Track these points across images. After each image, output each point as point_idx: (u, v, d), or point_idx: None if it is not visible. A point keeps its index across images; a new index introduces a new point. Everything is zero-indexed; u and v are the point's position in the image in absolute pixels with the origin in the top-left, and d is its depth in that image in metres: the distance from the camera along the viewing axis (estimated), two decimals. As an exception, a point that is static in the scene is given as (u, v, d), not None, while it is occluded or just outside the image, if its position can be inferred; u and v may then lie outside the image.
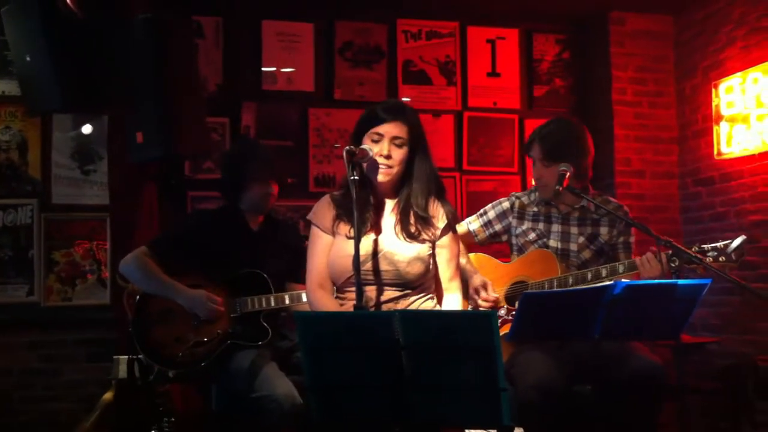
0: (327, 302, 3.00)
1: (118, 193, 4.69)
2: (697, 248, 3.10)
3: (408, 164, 2.99)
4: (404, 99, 5.55)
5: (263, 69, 5.35)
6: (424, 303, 3.01)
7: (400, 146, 2.94)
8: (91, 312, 4.85)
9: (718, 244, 3.06)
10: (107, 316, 4.71)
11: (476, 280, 3.44)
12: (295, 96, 5.41)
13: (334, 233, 3.03)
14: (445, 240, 3.04)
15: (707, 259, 3.03)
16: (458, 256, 3.14)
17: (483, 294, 3.39)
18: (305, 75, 5.42)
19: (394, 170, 2.95)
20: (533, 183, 3.79)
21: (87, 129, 4.96)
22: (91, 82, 4.00)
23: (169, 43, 3.69)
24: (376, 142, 2.94)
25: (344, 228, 3.00)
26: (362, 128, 3.00)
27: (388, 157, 2.92)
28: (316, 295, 3.03)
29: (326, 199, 3.11)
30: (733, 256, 3.03)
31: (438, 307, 3.07)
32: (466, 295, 3.40)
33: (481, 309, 3.36)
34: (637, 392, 3.08)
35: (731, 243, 3.04)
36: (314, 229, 3.09)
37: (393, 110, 2.98)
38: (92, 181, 4.92)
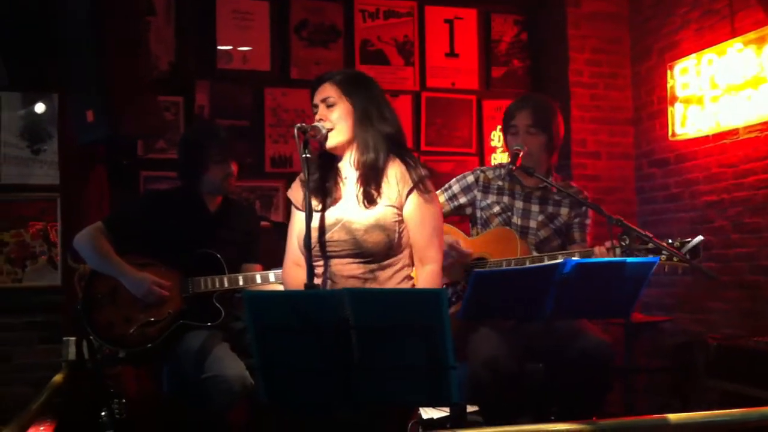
0: (297, 282, 2.89)
1: (68, 173, 4.61)
2: (653, 246, 3.12)
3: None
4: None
5: (218, 47, 5.26)
6: (398, 285, 2.86)
7: (332, 106, 2.89)
8: (43, 294, 4.76)
9: (675, 243, 3.09)
10: (59, 298, 4.64)
11: (447, 239, 3.36)
12: (251, 75, 5.33)
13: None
14: (412, 203, 2.86)
15: (662, 243, 3.05)
16: (435, 220, 2.91)
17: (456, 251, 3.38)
18: (261, 54, 5.35)
19: (336, 130, 2.88)
20: (492, 162, 3.82)
21: (39, 108, 4.86)
22: (38, 60, 3.93)
23: (116, 22, 3.63)
24: (316, 114, 2.93)
25: (314, 203, 2.89)
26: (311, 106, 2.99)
27: (323, 120, 2.88)
28: (289, 273, 2.99)
29: (299, 176, 3.01)
30: (688, 256, 3.06)
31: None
32: None
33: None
34: (585, 370, 3.11)
35: (688, 242, 3.07)
36: (292, 207, 3.05)
37: (320, 76, 2.98)
38: (42, 161, 4.81)
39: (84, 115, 3.80)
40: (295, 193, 3.03)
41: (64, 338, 3.63)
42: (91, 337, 3.49)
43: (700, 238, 3.07)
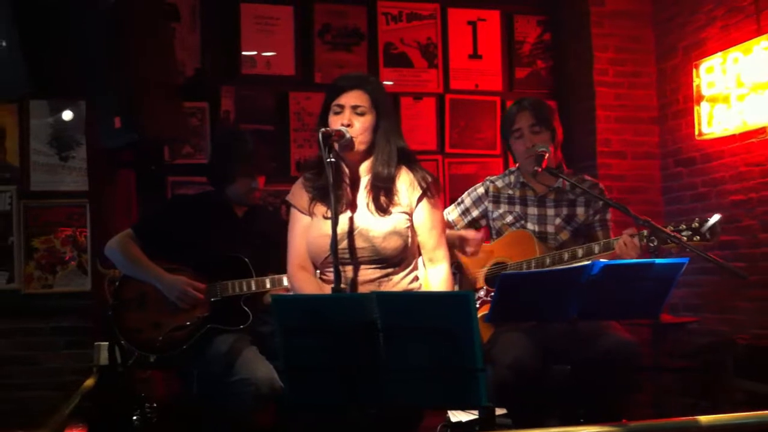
0: (308, 284, 2.96)
1: (97, 180, 4.66)
2: (672, 227, 3.09)
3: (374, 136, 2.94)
4: (386, 82, 5.53)
5: (242, 53, 5.29)
6: (409, 285, 2.97)
7: (361, 114, 2.89)
8: (73, 299, 4.82)
9: (693, 223, 3.06)
10: (89, 302, 4.69)
11: (453, 234, 3.44)
12: (275, 80, 5.35)
13: (311, 214, 3.00)
14: (422, 208, 2.97)
15: (682, 238, 3.02)
16: (441, 223, 3.07)
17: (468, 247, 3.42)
18: (285, 58, 5.37)
19: (358, 140, 2.89)
20: (515, 164, 3.79)
21: (67, 115, 4.92)
22: (64, 67, 3.97)
23: (140, 27, 3.66)
24: (338, 114, 2.91)
25: (321, 209, 2.97)
26: (326, 104, 2.97)
27: (350, 125, 2.87)
28: (297, 276, 3.00)
29: (301, 180, 3.08)
30: (708, 235, 3.02)
31: (422, 287, 3.04)
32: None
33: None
34: (612, 370, 3.09)
35: (706, 222, 3.03)
36: (293, 211, 3.06)
37: (352, 79, 2.97)
38: (71, 167, 4.87)
39: (111, 122, 3.84)
40: (298, 197, 3.04)
41: (96, 343, 3.67)
42: (123, 342, 3.53)
43: (717, 216, 3.03)
